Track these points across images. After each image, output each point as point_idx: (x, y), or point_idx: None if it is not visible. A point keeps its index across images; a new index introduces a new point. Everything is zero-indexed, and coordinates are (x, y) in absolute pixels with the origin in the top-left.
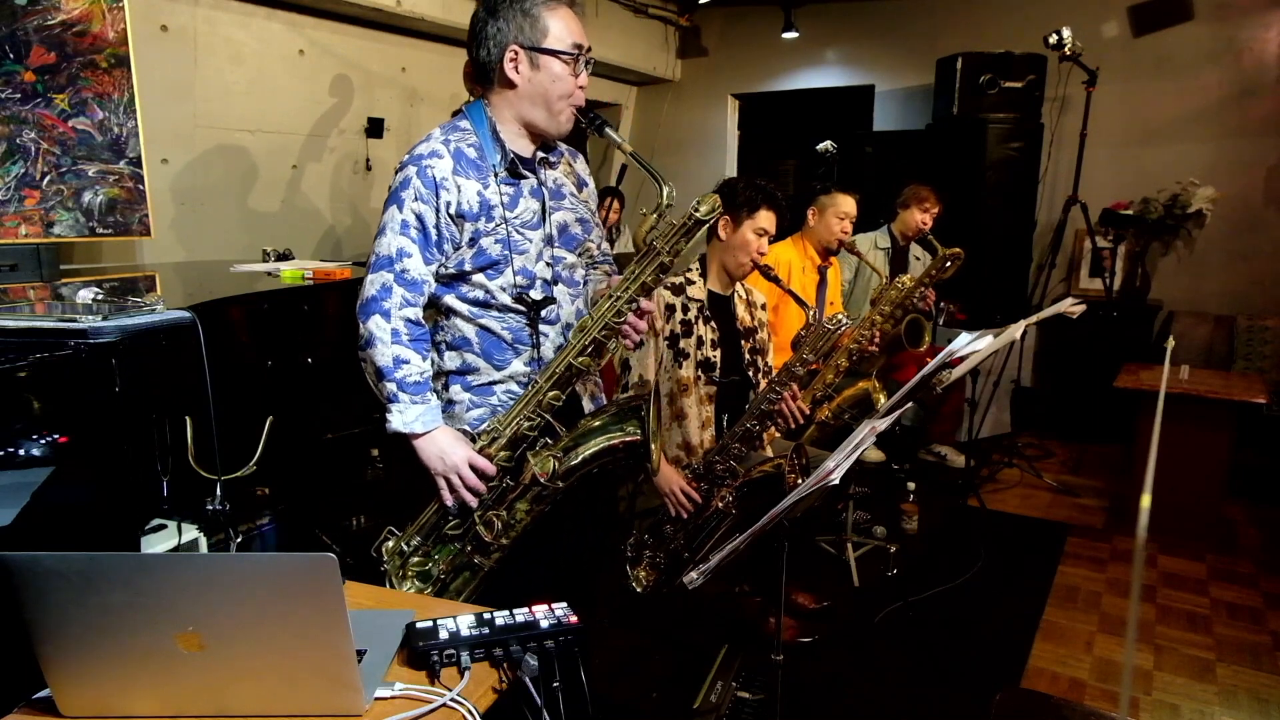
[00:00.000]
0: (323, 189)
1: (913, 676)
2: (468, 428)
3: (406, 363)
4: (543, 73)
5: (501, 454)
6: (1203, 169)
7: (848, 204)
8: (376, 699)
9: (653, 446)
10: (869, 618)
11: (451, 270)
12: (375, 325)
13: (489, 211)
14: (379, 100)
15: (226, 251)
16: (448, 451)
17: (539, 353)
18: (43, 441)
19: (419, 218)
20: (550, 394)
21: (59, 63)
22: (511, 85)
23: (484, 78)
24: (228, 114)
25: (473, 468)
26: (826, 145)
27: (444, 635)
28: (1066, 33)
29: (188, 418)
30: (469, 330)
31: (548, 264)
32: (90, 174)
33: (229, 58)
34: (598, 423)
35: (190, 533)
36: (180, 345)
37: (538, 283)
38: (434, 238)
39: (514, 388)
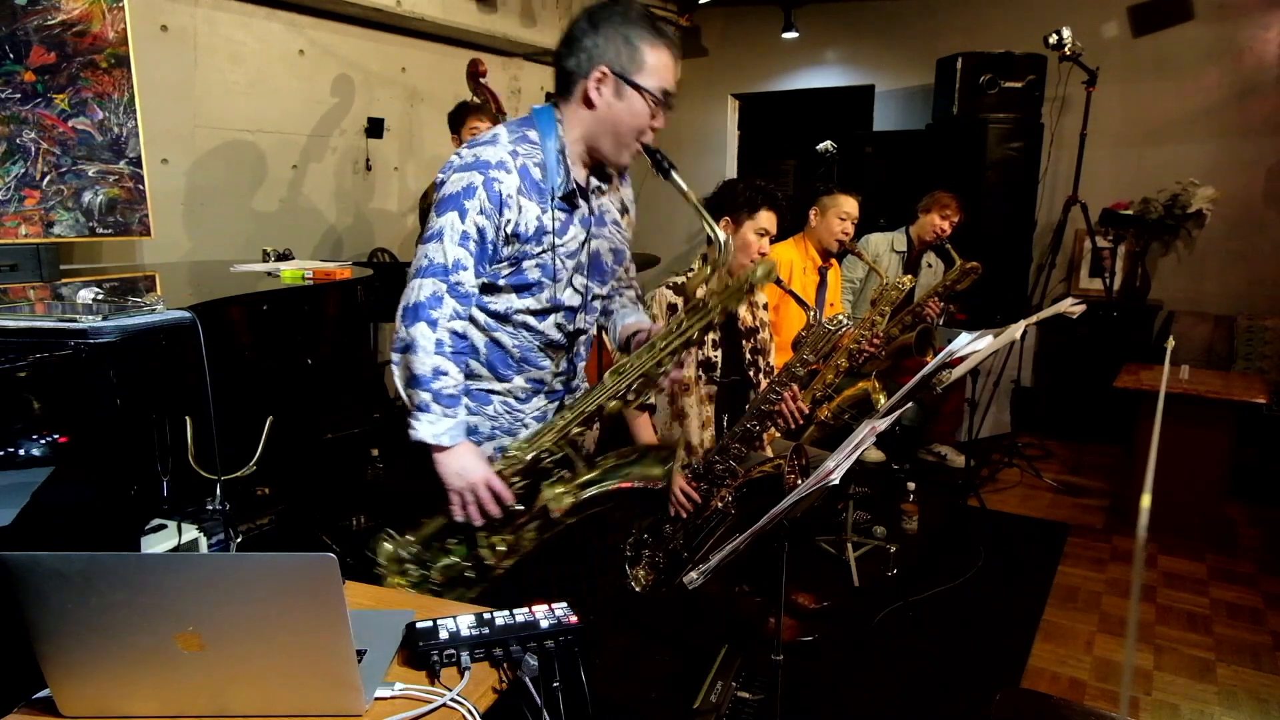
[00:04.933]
0: (323, 189)
1: (913, 676)
2: (491, 454)
3: (445, 374)
4: (624, 103)
5: (517, 480)
6: (1203, 169)
7: (849, 204)
8: (376, 699)
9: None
10: (869, 618)
11: (485, 280)
12: (420, 333)
13: (541, 237)
14: (379, 100)
15: (226, 251)
16: (469, 469)
17: (539, 374)
18: (43, 441)
19: (480, 231)
20: (577, 429)
21: (59, 63)
22: (590, 105)
23: (564, 87)
24: (228, 114)
25: (490, 489)
26: (826, 145)
27: (444, 635)
28: (1066, 33)
29: (187, 418)
30: (479, 340)
31: (576, 291)
32: (90, 174)
33: (229, 58)
34: (619, 462)
35: (190, 533)
36: (180, 345)
37: (561, 310)
38: (489, 253)
39: (512, 401)
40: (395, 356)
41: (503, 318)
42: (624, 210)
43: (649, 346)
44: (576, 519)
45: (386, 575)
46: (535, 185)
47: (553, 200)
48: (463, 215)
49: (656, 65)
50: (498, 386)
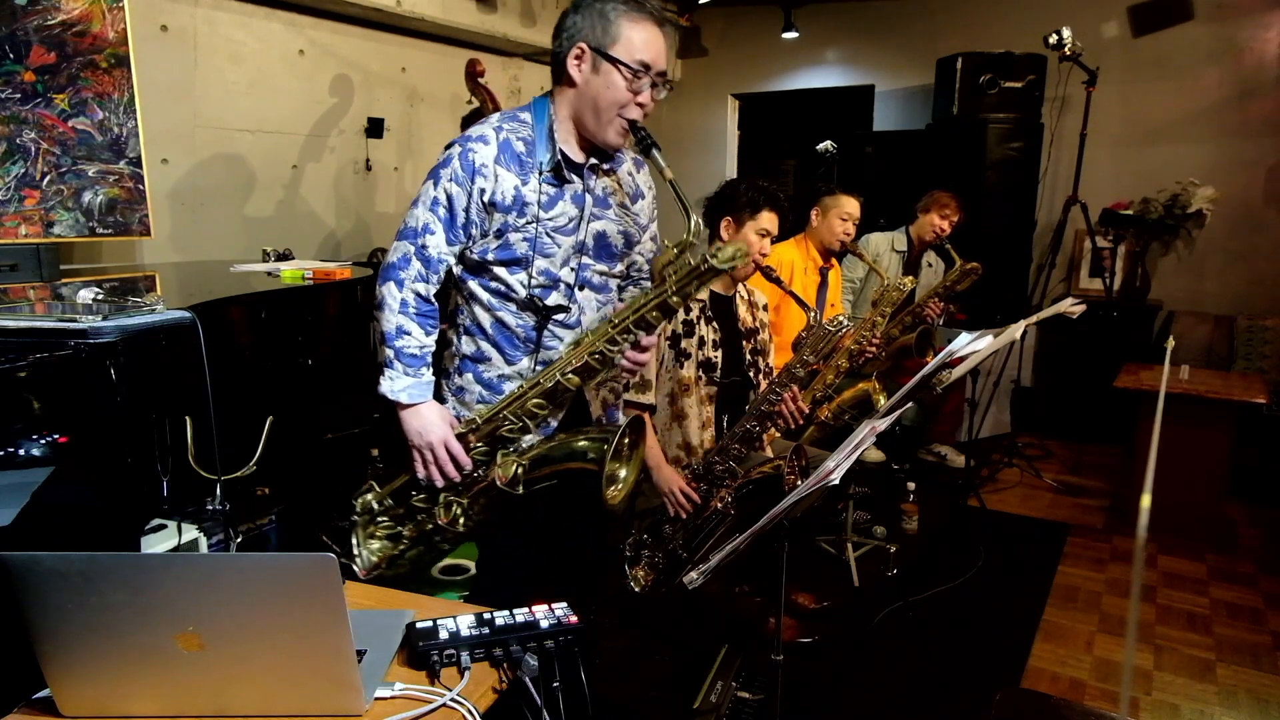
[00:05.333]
0: (323, 189)
1: (913, 676)
2: (466, 413)
3: (408, 334)
4: (601, 78)
5: (480, 446)
6: (1203, 169)
7: (851, 205)
8: (376, 699)
9: (609, 477)
10: (869, 618)
11: (475, 258)
12: (388, 291)
13: (522, 208)
14: (379, 100)
15: (226, 251)
16: (428, 428)
17: (547, 354)
18: (43, 441)
19: (449, 198)
20: (534, 401)
21: (59, 63)
22: (572, 83)
23: (555, 71)
24: (228, 114)
25: (449, 451)
26: (826, 145)
27: (444, 635)
28: (1066, 33)
29: (187, 418)
30: (485, 320)
31: (573, 269)
32: (90, 174)
33: (229, 58)
34: (575, 441)
35: (190, 533)
36: (180, 345)
37: (560, 286)
38: (460, 220)
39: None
40: (373, 314)
41: (504, 295)
42: (636, 196)
43: (607, 321)
44: (523, 492)
45: (359, 526)
46: (516, 157)
47: (540, 175)
48: (436, 183)
49: (633, 38)
50: (508, 370)
